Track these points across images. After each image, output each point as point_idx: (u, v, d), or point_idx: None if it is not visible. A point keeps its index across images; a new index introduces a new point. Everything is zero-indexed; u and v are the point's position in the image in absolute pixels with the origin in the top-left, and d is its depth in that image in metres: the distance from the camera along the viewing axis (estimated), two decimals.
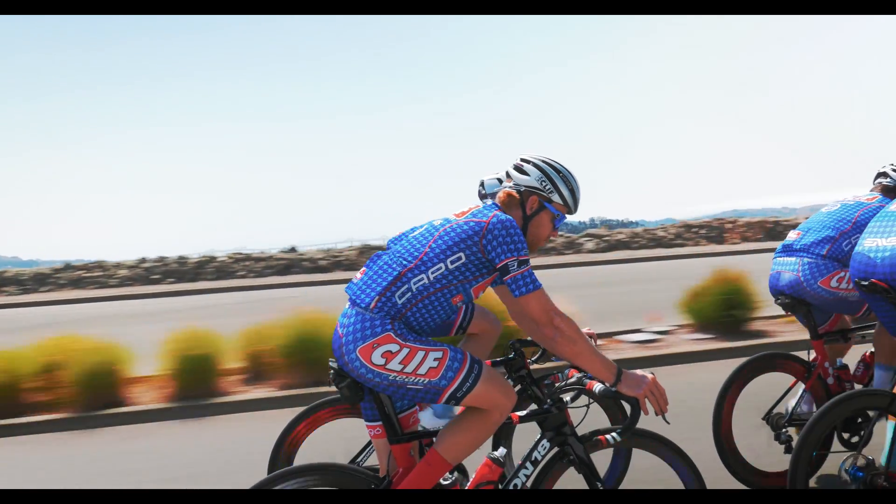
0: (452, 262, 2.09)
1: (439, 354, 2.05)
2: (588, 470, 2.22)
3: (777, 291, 3.44)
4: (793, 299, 3.35)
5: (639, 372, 2.10)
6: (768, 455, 3.42)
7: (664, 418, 2.08)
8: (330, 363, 2.20)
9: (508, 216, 2.14)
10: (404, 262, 2.11)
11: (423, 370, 2.03)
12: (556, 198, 2.25)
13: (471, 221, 2.13)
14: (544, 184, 2.25)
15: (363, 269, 2.20)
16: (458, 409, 2.34)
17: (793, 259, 3.33)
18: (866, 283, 2.65)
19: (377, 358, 2.02)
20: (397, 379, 2.04)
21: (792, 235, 3.45)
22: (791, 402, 3.42)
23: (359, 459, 3.03)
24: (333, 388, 2.20)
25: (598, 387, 2.13)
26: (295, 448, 2.99)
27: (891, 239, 2.60)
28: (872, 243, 2.68)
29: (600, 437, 2.20)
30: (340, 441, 3.13)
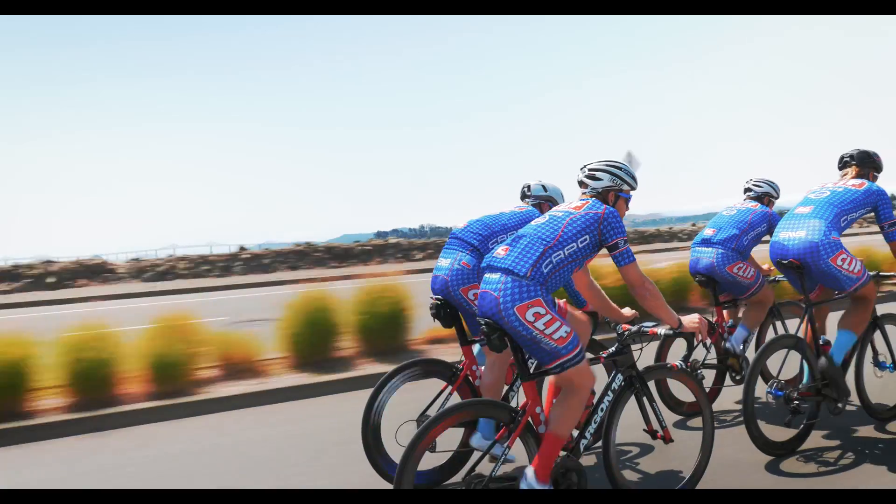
0: (581, 242, 2.83)
1: (569, 329, 2.74)
2: (647, 394, 3.11)
3: (696, 272, 4.71)
4: (707, 278, 4.64)
5: (691, 315, 3.01)
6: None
7: (704, 344, 3.01)
8: (480, 320, 2.80)
9: (613, 208, 2.93)
10: (545, 242, 2.79)
11: (556, 336, 2.70)
12: (625, 187, 3.11)
13: (590, 213, 2.89)
14: (615, 181, 3.09)
15: (505, 247, 2.85)
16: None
17: (710, 249, 4.60)
18: (785, 262, 3.86)
19: (530, 315, 2.66)
20: (537, 336, 2.68)
21: (708, 232, 4.71)
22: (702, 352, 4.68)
23: (427, 411, 3.61)
24: None
25: (661, 330, 2.99)
26: (383, 405, 3.49)
27: (798, 232, 3.84)
28: (785, 235, 3.91)
29: (672, 364, 3.10)
30: (417, 397, 3.68)
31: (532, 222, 2.99)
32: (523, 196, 4.22)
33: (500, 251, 2.85)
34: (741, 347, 4.65)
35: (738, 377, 4.72)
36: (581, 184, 3.15)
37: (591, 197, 3.07)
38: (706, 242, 4.65)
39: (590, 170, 3.12)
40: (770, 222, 4.66)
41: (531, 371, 2.86)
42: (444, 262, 3.73)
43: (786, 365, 3.92)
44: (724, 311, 4.80)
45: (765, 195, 4.90)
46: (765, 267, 4.93)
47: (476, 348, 3.81)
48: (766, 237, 4.62)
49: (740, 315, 4.86)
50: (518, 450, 2.82)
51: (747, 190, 5.01)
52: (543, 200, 4.14)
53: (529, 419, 2.80)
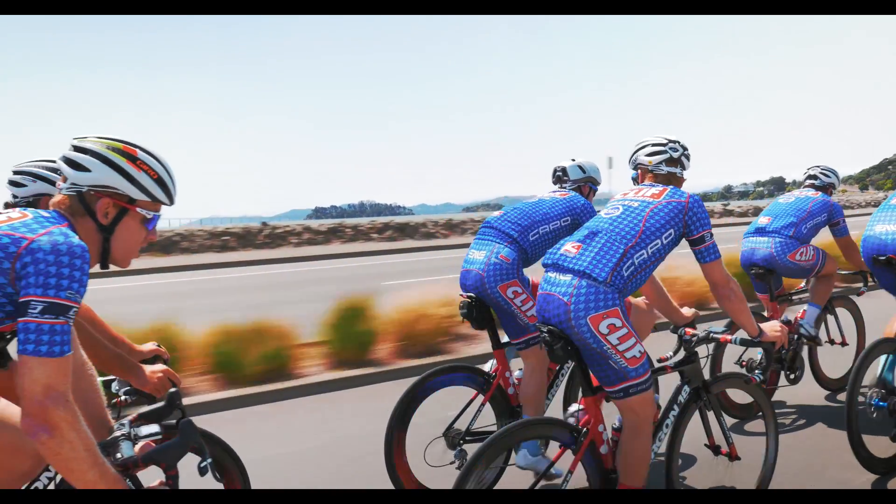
0: (666, 238, 2.43)
1: (642, 350, 2.38)
2: (716, 408, 2.76)
3: (751, 264, 4.33)
4: (765, 269, 4.27)
5: (772, 322, 2.62)
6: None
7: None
8: (540, 326, 2.44)
9: (698, 196, 2.52)
10: (626, 240, 2.38)
11: (628, 355, 2.33)
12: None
13: (672, 202, 2.49)
14: (687, 164, 2.78)
15: (576, 244, 2.44)
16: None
17: (766, 239, 4.24)
18: (883, 258, 3.38)
19: (603, 327, 2.29)
20: (607, 350, 2.32)
21: (762, 220, 4.34)
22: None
23: (455, 423, 3.27)
24: None
25: (737, 338, 2.55)
26: (414, 408, 3.14)
27: None
28: (883, 228, 3.42)
29: (751, 377, 2.78)
30: (450, 402, 3.38)
31: (602, 213, 2.58)
32: (558, 181, 3.75)
33: (571, 248, 2.45)
34: (814, 329, 4.36)
35: (793, 376, 4.41)
36: (664, 163, 2.73)
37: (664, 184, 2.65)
38: (761, 232, 4.31)
39: (671, 149, 2.73)
40: (830, 213, 4.30)
41: (591, 387, 2.50)
42: (478, 255, 3.25)
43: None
44: (779, 307, 4.45)
45: (830, 185, 4.58)
46: None
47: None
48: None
49: (806, 292, 4.57)
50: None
51: (812, 178, 4.65)
52: (583, 183, 3.71)
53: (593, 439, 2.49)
